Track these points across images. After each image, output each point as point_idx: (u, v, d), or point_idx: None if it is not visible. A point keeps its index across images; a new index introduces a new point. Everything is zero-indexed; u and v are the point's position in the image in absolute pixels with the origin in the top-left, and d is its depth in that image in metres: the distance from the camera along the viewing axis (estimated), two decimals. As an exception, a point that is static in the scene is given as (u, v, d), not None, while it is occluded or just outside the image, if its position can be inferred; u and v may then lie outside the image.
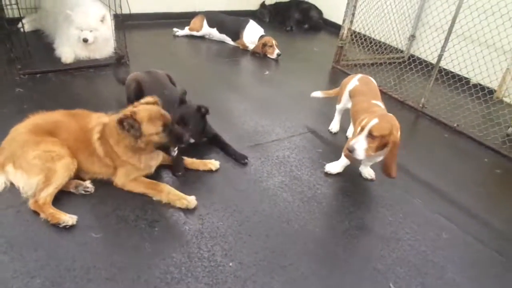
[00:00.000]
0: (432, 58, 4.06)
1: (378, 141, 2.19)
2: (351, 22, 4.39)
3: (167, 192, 2.16)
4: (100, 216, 2.01)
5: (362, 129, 2.20)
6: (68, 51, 3.69)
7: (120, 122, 2.02)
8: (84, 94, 3.22)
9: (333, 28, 5.91)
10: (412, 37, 4.86)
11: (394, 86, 3.99)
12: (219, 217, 2.12)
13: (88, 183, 2.15)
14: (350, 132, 3.04)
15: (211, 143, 2.73)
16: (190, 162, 2.47)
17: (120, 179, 2.19)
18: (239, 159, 2.60)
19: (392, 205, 2.42)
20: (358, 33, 4.55)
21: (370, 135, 2.18)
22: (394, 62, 4.50)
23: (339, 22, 4.61)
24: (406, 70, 4.12)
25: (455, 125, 3.45)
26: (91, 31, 3.60)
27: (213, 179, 2.41)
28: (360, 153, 2.20)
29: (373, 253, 2.04)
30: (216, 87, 3.69)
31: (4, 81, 3.22)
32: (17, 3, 3.50)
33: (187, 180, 2.37)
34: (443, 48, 3.51)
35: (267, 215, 2.19)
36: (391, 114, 2.29)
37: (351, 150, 2.21)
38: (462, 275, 1.98)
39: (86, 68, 3.63)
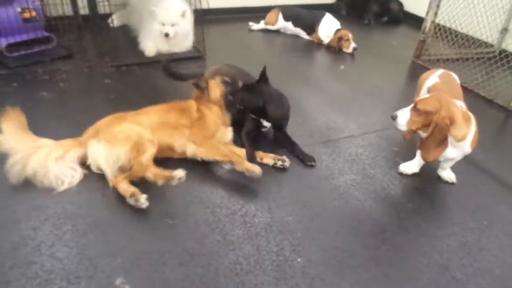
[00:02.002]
0: (528, 53, 3.67)
1: (423, 117, 2.15)
2: (436, 14, 4.11)
3: (238, 154, 2.36)
4: (175, 205, 2.11)
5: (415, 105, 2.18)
6: (150, 45, 3.90)
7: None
8: (163, 86, 3.39)
9: (414, 21, 5.59)
10: (505, 30, 4.41)
11: (482, 83, 3.66)
12: (289, 211, 2.12)
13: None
14: None
15: (278, 140, 2.70)
16: (263, 155, 2.48)
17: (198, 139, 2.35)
18: (306, 161, 2.50)
19: (475, 211, 2.23)
20: (443, 26, 4.25)
21: (415, 108, 2.16)
22: (483, 58, 4.12)
23: (421, 14, 4.35)
24: (496, 66, 3.76)
25: (554, 127, 3.09)
26: (172, 25, 3.77)
27: (283, 174, 2.41)
28: (401, 122, 2.23)
29: (452, 261, 1.90)
30: (289, 81, 3.67)
31: (95, 73, 3.50)
32: (108, 0, 3.78)
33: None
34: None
35: (338, 213, 2.14)
36: (458, 102, 2.20)
37: (393, 117, 2.25)
38: (557, 295, 1.78)
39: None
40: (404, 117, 2.22)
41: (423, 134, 2.23)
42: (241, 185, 2.29)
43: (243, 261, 1.81)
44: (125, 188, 2.08)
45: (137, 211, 2.03)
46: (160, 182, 2.09)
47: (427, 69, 3.83)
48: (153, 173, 2.12)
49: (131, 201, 2.03)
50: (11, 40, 3.43)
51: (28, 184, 2.14)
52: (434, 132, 2.11)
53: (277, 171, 2.42)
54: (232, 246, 1.88)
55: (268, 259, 1.83)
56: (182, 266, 1.76)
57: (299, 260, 1.84)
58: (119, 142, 2.14)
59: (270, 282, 1.72)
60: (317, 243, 1.94)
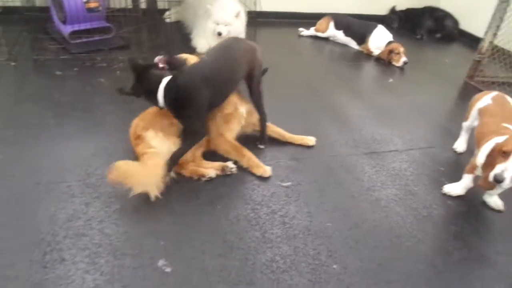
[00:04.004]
0: None
1: None
2: (495, 35, 3.98)
3: (248, 158, 2.39)
4: (217, 196, 2.17)
5: (506, 153, 1.96)
6: (203, 42, 4.01)
7: None
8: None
9: (469, 40, 5.43)
10: None
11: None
12: (328, 218, 2.13)
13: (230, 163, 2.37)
14: (457, 144, 2.88)
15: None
16: (289, 136, 2.69)
17: (223, 130, 2.42)
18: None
19: (522, 242, 2.16)
20: (501, 48, 4.11)
21: None
22: (542, 84, 3.96)
23: (478, 33, 4.23)
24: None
25: None
26: (226, 25, 3.86)
27: (325, 180, 2.42)
28: (509, 183, 1.96)
29: (493, 290, 1.85)
30: (336, 89, 3.68)
31: (149, 65, 3.64)
32: (167, -4, 3.94)
33: (297, 179, 2.41)
34: None
35: (377, 226, 2.13)
36: None
37: (500, 180, 1.94)
38: None
39: (217, 59, 3.91)
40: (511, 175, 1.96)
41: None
42: (283, 186, 2.32)
43: (279, 260, 1.84)
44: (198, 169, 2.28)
45: (181, 198, 2.11)
46: (216, 171, 2.29)
47: (480, 90, 3.72)
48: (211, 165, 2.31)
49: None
50: (76, 27, 3.63)
51: (82, 163, 2.28)
52: None
53: (319, 177, 2.44)
54: (270, 244, 1.92)
55: (304, 261, 1.85)
56: (221, 256, 1.82)
57: (334, 266, 1.85)
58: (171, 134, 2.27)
59: (305, 284, 1.74)
60: (354, 253, 1.94)
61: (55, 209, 1.95)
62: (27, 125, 2.58)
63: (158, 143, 2.22)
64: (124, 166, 1.98)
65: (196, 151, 2.33)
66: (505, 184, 1.98)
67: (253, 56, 2.42)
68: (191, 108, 2.12)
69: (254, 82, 2.46)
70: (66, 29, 3.64)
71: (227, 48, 2.36)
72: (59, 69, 3.35)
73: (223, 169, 2.32)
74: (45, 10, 3.90)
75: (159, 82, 2.11)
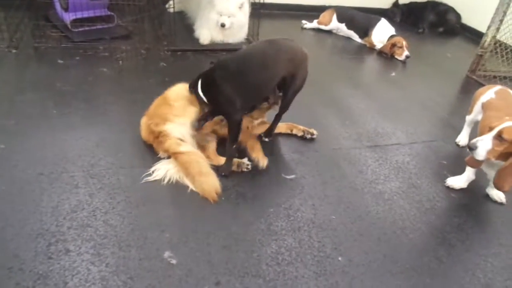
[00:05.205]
0: None
1: (506, 146, 2.00)
2: (498, 29, 3.97)
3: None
4: (222, 189, 2.16)
5: (491, 129, 2.04)
6: (206, 33, 3.98)
7: None
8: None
9: (471, 35, 5.43)
10: None
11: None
12: (332, 210, 2.13)
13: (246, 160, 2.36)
14: (460, 138, 2.91)
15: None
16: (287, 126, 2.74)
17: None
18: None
19: (524, 234, 2.17)
20: (504, 42, 4.10)
21: (499, 137, 2.00)
22: (545, 78, 3.96)
23: (480, 28, 4.22)
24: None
25: None
26: (229, 16, 3.83)
27: (328, 173, 2.42)
28: (481, 153, 2.05)
29: (496, 281, 1.86)
30: (339, 82, 3.66)
31: (152, 56, 3.61)
32: (170, -15, 3.89)
33: (300, 171, 2.41)
34: None
35: (381, 218, 2.13)
36: None
37: (472, 148, 2.07)
38: None
39: (219, 51, 3.89)
40: (484, 146, 2.04)
41: (496, 162, 2.10)
42: (287, 179, 2.32)
43: (285, 252, 1.84)
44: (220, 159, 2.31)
45: (186, 191, 2.10)
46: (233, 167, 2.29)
47: (482, 84, 3.73)
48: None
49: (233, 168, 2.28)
50: (78, 15, 3.59)
51: (85, 154, 2.26)
52: None
53: (323, 169, 2.43)
54: (275, 236, 1.92)
55: (309, 254, 1.85)
56: (226, 249, 1.82)
57: (339, 258, 1.85)
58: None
59: (310, 276, 1.74)
60: (358, 245, 1.94)
61: (58, 200, 1.93)
62: (29, 114, 2.55)
63: (182, 130, 2.26)
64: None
65: (210, 147, 2.36)
66: (478, 154, 2.06)
67: (297, 62, 2.30)
68: (221, 95, 2.13)
69: (290, 91, 2.36)
70: (68, 17, 3.59)
71: (268, 45, 2.29)
72: (60, 57, 3.31)
73: (238, 165, 2.30)
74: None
75: (199, 76, 2.22)
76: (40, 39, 3.44)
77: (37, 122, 2.49)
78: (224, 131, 2.39)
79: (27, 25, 3.59)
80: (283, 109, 2.48)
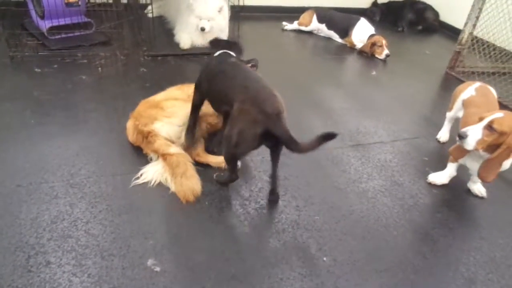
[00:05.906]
0: None
1: (495, 137, 2.02)
2: (474, 26, 4.04)
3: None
4: (206, 193, 2.15)
5: (481, 119, 2.06)
6: (186, 37, 3.96)
7: None
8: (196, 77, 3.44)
9: (450, 32, 5.52)
10: (545, 46, 4.32)
11: (518, 99, 3.60)
12: (316, 211, 2.14)
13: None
14: (441, 134, 2.94)
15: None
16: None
17: None
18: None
19: (504, 227, 2.21)
20: (480, 38, 4.18)
21: (489, 127, 2.02)
22: (520, 73, 4.05)
23: (457, 25, 4.29)
24: (534, 83, 3.69)
25: None
26: (208, 20, 3.82)
27: (312, 174, 2.42)
28: (470, 142, 2.05)
29: (479, 275, 1.89)
30: (320, 83, 3.68)
31: (132, 61, 3.58)
32: (148, -10, 3.86)
33: (284, 173, 2.41)
34: None
35: (365, 217, 2.14)
36: None
37: (462, 136, 2.06)
38: None
39: (200, 55, 3.87)
40: (475, 135, 2.04)
41: (483, 154, 2.11)
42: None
43: (270, 255, 1.84)
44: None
45: (169, 196, 2.08)
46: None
47: (461, 80, 3.79)
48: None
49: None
50: (54, 23, 3.53)
51: (65, 163, 2.22)
52: (503, 153, 2.02)
53: (307, 171, 2.44)
54: (259, 238, 1.92)
55: (294, 255, 1.85)
56: (211, 254, 1.80)
57: (324, 259, 1.86)
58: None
59: (296, 278, 1.74)
60: (343, 244, 1.95)
61: (38, 212, 1.90)
62: (6, 124, 2.50)
63: (169, 129, 2.27)
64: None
65: (198, 146, 2.37)
66: (468, 144, 2.06)
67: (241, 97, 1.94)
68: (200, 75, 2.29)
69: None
70: (45, 25, 3.53)
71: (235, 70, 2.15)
72: (38, 66, 3.26)
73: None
74: (22, 4, 3.77)
75: None
76: (16, 48, 3.36)
77: (15, 132, 2.44)
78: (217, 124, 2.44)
79: (2, 34, 3.51)
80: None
